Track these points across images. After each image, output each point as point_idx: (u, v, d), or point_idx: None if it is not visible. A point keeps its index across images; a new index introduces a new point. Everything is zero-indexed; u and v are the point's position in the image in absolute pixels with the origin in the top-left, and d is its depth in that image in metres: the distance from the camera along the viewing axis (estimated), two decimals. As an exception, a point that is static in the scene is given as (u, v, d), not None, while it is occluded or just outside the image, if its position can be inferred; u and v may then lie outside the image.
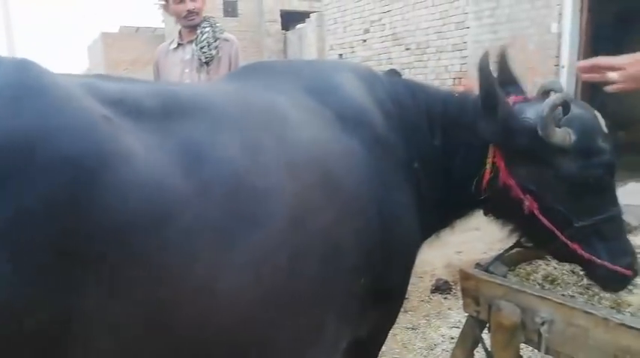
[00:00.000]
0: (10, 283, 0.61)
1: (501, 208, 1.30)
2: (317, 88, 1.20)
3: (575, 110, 1.22)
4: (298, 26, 12.13)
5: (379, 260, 1.11)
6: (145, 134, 0.77)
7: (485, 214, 1.36)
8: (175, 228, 0.74)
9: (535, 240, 1.34)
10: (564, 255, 1.27)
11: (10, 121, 0.64)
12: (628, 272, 1.19)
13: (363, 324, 1.21)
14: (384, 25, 7.98)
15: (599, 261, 1.19)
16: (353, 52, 8.92)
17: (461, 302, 1.41)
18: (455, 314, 2.70)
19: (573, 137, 1.16)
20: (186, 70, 2.58)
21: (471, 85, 5.93)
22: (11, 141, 0.62)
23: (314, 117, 1.12)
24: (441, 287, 3.00)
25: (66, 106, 0.69)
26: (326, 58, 9.83)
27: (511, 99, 1.25)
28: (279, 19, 12.87)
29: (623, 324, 1.02)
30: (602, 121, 1.25)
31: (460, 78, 6.50)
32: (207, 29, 2.56)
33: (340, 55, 9.30)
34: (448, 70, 6.74)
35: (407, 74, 7.22)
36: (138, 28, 21.23)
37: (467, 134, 1.25)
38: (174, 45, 2.64)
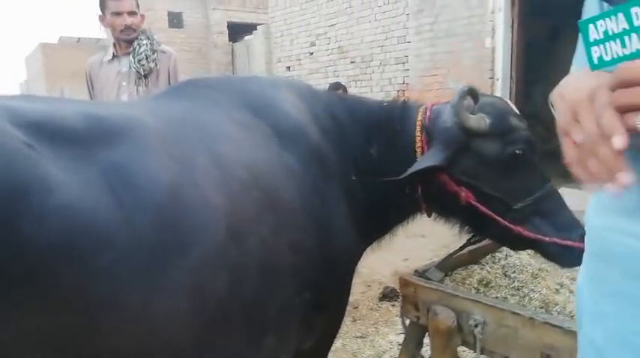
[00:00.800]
0: None
1: (440, 205, 1.35)
2: (254, 104, 1.21)
3: (485, 98, 1.31)
4: (246, 38, 12.09)
5: (319, 273, 1.12)
6: (69, 160, 0.75)
7: (429, 215, 1.40)
8: (104, 254, 0.72)
9: (480, 231, 1.38)
10: (513, 241, 1.31)
11: None
12: (580, 245, 1.21)
13: (307, 337, 1.21)
14: (329, 38, 8.11)
15: (547, 238, 1.22)
16: (300, 64, 8.99)
17: (408, 308, 1.44)
18: (402, 321, 2.74)
19: (488, 120, 1.24)
20: (124, 83, 2.51)
21: (413, 95, 6.13)
22: None
23: (250, 133, 1.12)
24: (389, 295, 3.05)
25: None
26: (273, 71, 9.86)
27: (428, 104, 1.32)
28: (227, 31, 12.78)
29: (547, 323, 1.08)
30: (512, 106, 1.35)
31: (403, 90, 6.70)
32: (144, 41, 2.51)
33: (288, 67, 9.36)
34: (392, 82, 6.93)
35: (353, 87, 7.37)
36: (79, 39, 20.45)
37: (397, 139, 1.30)
38: (109, 57, 2.56)
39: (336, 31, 7.94)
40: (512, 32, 5.19)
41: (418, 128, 1.30)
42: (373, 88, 7.09)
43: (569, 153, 0.59)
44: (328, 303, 1.23)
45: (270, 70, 10.05)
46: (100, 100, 2.45)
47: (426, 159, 1.23)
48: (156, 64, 2.51)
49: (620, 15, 0.51)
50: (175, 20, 11.95)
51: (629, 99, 0.50)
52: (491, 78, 5.40)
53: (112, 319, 0.73)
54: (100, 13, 2.53)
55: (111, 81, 2.51)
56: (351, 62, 7.65)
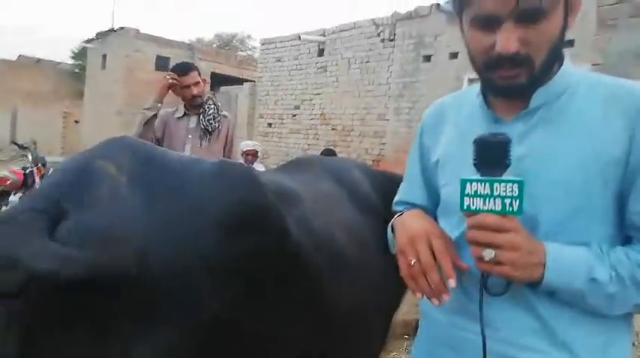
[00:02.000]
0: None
1: None
2: (339, 177, 1.84)
3: None
4: (223, 89, 12.81)
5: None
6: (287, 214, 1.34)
7: None
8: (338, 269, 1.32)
9: None
10: None
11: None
12: None
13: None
14: (314, 104, 8.96)
15: None
16: (282, 123, 9.75)
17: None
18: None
19: None
20: (190, 136, 3.08)
21: (387, 167, 6.96)
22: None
23: (339, 198, 1.75)
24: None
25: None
26: (254, 125, 10.53)
27: None
28: (209, 81, 13.49)
29: None
30: None
31: (378, 160, 7.54)
32: (212, 106, 3.13)
33: (269, 124, 10.08)
34: (368, 152, 7.78)
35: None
36: (39, 60, 20.41)
37: None
38: (180, 114, 3.14)
39: (321, 99, 8.81)
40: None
41: None
42: (351, 154, 7.88)
43: (403, 269, 0.84)
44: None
45: (251, 123, 10.73)
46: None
47: None
48: (219, 125, 3.12)
49: (487, 184, 0.74)
50: (162, 64, 12.54)
51: (481, 237, 0.75)
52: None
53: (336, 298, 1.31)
54: (175, 82, 3.12)
55: (181, 134, 3.08)
56: (333, 129, 8.48)
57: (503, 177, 0.74)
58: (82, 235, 0.97)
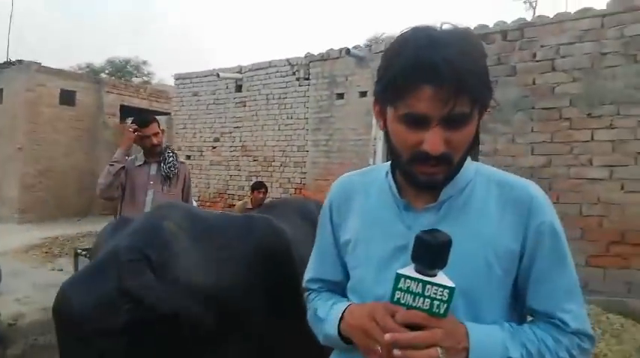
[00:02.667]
0: None
1: None
2: (303, 213, 2.36)
3: None
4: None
5: None
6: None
7: None
8: None
9: None
10: None
11: None
12: None
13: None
14: (234, 137, 9.33)
15: None
16: (202, 155, 9.96)
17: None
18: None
19: None
20: (151, 182, 3.40)
21: (309, 193, 7.55)
22: None
23: (305, 229, 2.27)
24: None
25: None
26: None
27: None
28: (118, 113, 13.22)
29: None
30: None
31: (300, 188, 8.12)
32: (171, 154, 3.49)
33: (188, 156, 10.23)
34: (290, 181, 8.33)
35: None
36: None
37: None
38: (140, 162, 3.45)
39: (241, 132, 9.21)
40: (388, 156, 7.05)
41: None
42: (273, 184, 8.37)
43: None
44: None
45: (168, 157, 10.74)
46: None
47: None
48: (177, 171, 3.48)
49: (420, 284, 0.76)
50: (67, 98, 12.11)
51: (409, 341, 0.76)
52: (372, 187, 7.10)
53: None
54: (135, 133, 3.44)
55: (143, 180, 3.38)
56: (254, 160, 8.92)
57: (436, 280, 0.76)
58: (169, 279, 1.39)
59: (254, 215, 1.76)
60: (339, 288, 1.08)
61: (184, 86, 10.25)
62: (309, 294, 1.12)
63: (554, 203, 4.01)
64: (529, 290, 0.91)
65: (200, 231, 1.54)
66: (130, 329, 1.34)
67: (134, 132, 3.37)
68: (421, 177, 0.87)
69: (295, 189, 8.20)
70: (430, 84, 0.79)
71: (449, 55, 0.79)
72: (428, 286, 0.76)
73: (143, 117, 3.55)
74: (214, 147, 9.70)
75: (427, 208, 0.93)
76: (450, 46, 0.80)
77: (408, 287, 0.77)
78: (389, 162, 1.03)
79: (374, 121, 7.08)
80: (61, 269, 6.82)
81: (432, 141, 0.82)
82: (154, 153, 3.44)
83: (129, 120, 3.64)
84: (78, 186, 12.16)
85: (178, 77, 10.41)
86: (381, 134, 7.05)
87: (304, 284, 1.14)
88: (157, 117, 3.90)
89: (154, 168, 3.44)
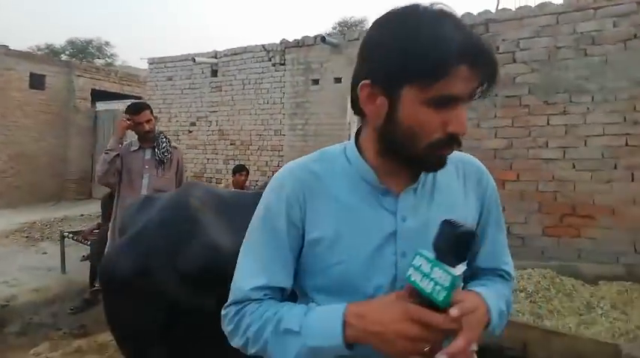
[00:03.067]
0: None
1: None
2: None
3: None
4: (113, 105, 12.58)
5: None
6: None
7: None
8: None
9: None
10: None
11: None
12: None
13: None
14: (210, 121, 9.48)
15: None
16: (178, 139, 10.06)
17: None
18: None
19: None
20: (146, 166, 3.64)
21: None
22: None
23: None
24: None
25: None
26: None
27: None
28: (90, 97, 13.08)
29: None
30: None
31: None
32: (164, 140, 3.73)
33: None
34: (268, 164, 8.60)
35: (232, 165, 8.72)
36: None
37: None
38: (135, 147, 3.68)
39: (217, 116, 9.36)
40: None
41: None
42: (251, 167, 8.61)
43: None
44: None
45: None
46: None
47: None
48: (171, 156, 3.73)
49: (429, 265, 0.76)
50: (37, 82, 11.91)
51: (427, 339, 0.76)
52: (347, 169, 7.45)
53: None
54: (130, 122, 3.66)
55: (138, 164, 3.62)
56: (231, 144, 9.12)
57: (444, 265, 0.75)
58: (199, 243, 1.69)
59: (260, 191, 2.05)
60: (283, 296, 0.96)
61: (158, 70, 10.28)
62: (245, 306, 0.93)
63: (515, 181, 4.52)
64: (480, 252, 1.02)
65: (218, 205, 1.84)
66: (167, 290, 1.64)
67: (127, 121, 3.59)
68: (436, 160, 0.87)
69: (273, 172, 8.47)
70: (469, 65, 0.78)
71: (481, 38, 0.81)
72: (435, 268, 0.75)
73: (136, 105, 3.76)
74: (191, 131, 9.82)
75: (407, 191, 0.92)
76: (470, 28, 0.82)
77: (420, 265, 0.77)
78: (338, 146, 1.02)
79: (349, 106, 7.41)
80: (46, 253, 6.94)
81: (462, 121, 0.82)
82: (147, 139, 3.67)
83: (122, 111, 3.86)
84: (50, 171, 12.08)
85: (152, 61, 10.41)
86: (355, 118, 7.38)
87: (242, 293, 0.93)
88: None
89: (148, 153, 3.67)
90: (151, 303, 1.65)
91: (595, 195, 4.85)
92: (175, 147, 3.87)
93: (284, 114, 8.32)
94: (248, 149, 8.86)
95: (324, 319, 0.85)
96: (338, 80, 7.55)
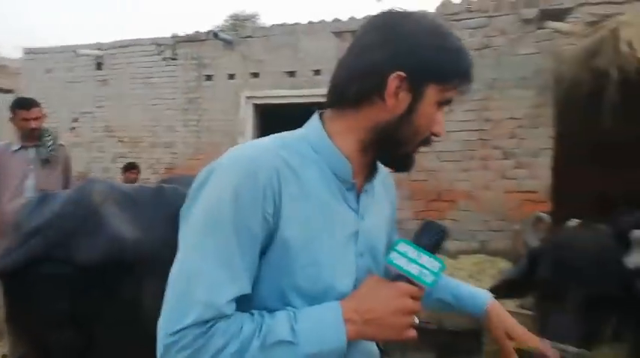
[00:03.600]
0: None
1: None
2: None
3: None
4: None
5: None
6: None
7: None
8: None
9: None
10: None
11: None
12: None
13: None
14: (95, 117, 9.01)
15: None
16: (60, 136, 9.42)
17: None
18: None
19: None
20: (31, 166, 3.51)
21: (178, 173, 7.81)
22: None
23: None
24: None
25: None
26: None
27: None
28: (-52, 90, 11.60)
29: None
30: None
31: (171, 168, 8.29)
32: (49, 138, 3.63)
33: (43, 137, 9.55)
34: (159, 162, 8.43)
35: (120, 163, 8.39)
36: None
37: None
38: (16, 147, 3.54)
39: (103, 112, 8.94)
40: (255, 135, 7.63)
41: None
42: (142, 164, 8.39)
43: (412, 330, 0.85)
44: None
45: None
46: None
47: None
48: (57, 154, 3.65)
49: (417, 252, 0.85)
50: None
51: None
52: (242, 164, 7.63)
53: None
54: (12, 115, 3.52)
55: (21, 165, 3.49)
56: (119, 141, 8.78)
57: (431, 254, 0.86)
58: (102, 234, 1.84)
59: (163, 184, 2.22)
60: (244, 305, 0.82)
61: (35, 62, 9.51)
62: (214, 324, 0.76)
63: (394, 171, 5.16)
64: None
65: (121, 200, 1.98)
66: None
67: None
68: (413, 160, 0.94)
69: (165, 168, 8.35)
70: (467, 76, 0.90)
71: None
72: (423, 256, 0.85)
73: (26, 100, 3.61)
74: (73, 128, 9.25)
75: (365, 189, 0.95)
76: None
77: (405, 251, 0.85)
78: (289, 133, 0.92)
79: (242, 102, 7.58)
80: None
81: (443, 123, 0.90)
82: (31, 136, 3.55)
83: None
84: None
85: (29, 51, 9.60)
86: (249, 114, 7.59)
87: (214, 309, 0.76)
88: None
89: (31, 151, 3.55)
90: (51, 294, 1.76)
91: (455, 183, 5.66)
92: (62, 145, 3.77)
93: (176, 110, 8.24)
94: (138, 146, 8.61)
95: (321, 322, 0.80)
96: (231, 76, 7.67)
